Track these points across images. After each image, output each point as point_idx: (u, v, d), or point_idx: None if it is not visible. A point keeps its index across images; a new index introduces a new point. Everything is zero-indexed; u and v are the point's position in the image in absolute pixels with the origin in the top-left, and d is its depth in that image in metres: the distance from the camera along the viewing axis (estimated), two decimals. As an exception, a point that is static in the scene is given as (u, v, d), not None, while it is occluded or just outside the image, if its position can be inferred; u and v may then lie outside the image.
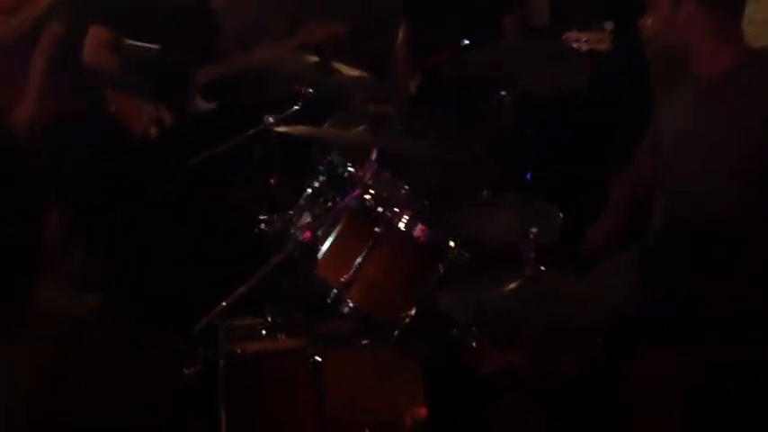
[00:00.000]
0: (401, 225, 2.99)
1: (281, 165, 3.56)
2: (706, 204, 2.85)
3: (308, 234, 2.81)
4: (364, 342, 3.01)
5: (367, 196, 2.99)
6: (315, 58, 3.46)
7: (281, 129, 3.11)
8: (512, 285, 2.72)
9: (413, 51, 4.40)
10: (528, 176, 3.61)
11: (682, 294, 2.76)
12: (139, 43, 3.96)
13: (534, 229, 2.72)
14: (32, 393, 3.66)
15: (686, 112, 2.96)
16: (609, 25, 3.77)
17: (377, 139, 2.96)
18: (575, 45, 3.78)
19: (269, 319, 3.13)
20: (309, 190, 3.17)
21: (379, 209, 2.99)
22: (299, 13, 4.33)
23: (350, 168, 3.01)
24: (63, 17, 4.29)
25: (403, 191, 3.12)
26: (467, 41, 4.00)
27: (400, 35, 4.42)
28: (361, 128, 3.01)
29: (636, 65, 3.92)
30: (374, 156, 2.97)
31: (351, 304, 2.97)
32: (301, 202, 3.18)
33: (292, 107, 3.52)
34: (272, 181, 3.60)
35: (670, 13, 2.86)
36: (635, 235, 3.29)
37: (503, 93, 3.69)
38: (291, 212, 3.18)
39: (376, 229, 2.96)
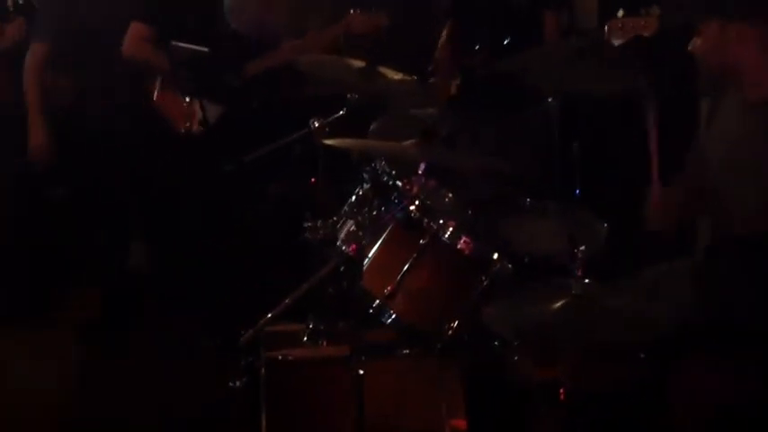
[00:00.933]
0: (446, 237, 2.97)
1: (323, 165, 3.55)
2: (756, 221, 2.82)
3: (353, 246, 2.80)
4: (406, 352, 3.01)
5: (412, 207, 2.98)
6: (360, 63, 3.45)
7: (330, 141, 3.09)
8: (557, 304, 2.69)
9: (453, 52, 4.36)
10: (577, 192, 3.57)
11: (731, 308, 2.74)
12: (189, 45, 3.97)
13: (582, 248, 2.69)
14: (70, 380, 3.71)
15: (737, 128, 2.92)
16: (655, 10, 3.69)
17: (426, 154, 2.93)
18: (618, 34, 3.70)
19: (311, 326, 3.12)
20: (353, 197, 3.15)
21: (425, 220, 2.97)
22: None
23: (398, 182, 2.98)
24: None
25: (447, 199, 3.11)
26: (507, 41, 3.97)
27: (444, 35, 4.38)
28: (410, 141, 2.97)
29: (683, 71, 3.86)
30: (422, 170, 2.95)
31: (394, 315, 2.96)
32: (345, 209, 3.16)
33: (337, 109, 3.52)
34: (312, 180, 3.60)
35: (719, 33, 2.81)
36: (681, 247, 3.26)
37: (549, 100, 3.65)
38: (335, 218, 3.16)
39: (421, 241, 2.95)
